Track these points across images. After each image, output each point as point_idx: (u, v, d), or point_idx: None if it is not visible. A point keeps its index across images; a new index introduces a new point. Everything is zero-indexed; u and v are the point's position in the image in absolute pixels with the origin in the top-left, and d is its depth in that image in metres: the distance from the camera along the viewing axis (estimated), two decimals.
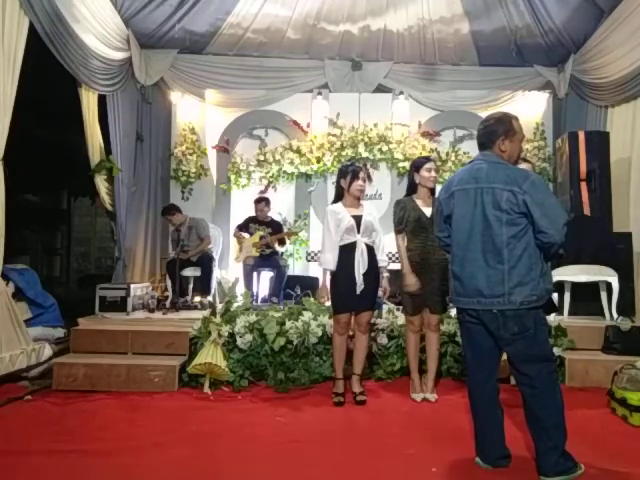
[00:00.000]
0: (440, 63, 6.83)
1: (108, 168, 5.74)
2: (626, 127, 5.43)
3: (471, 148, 6.45)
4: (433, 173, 3.75)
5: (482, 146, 2.60)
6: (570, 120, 6.45)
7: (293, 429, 3.20)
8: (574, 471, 2.40)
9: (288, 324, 4.17)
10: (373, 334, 4.23)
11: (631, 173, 5.28)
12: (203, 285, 5.68)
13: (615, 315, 4.51)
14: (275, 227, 6.06)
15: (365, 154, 6.64)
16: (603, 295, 4.68)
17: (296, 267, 6.61)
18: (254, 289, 5.75)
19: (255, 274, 5.89)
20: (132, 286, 5.03)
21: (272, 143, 6.81)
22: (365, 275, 3.66)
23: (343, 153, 6.64)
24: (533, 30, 6.10)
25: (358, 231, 3.70)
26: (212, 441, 2.99)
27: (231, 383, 4.05)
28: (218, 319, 4.24)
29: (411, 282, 3.65)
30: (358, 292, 3.65)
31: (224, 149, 6.81)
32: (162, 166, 6.84)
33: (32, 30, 4.19)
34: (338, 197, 3.83)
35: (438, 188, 3.22)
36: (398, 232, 3.76)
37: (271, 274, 5.89)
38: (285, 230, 6.26)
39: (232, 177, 6.75)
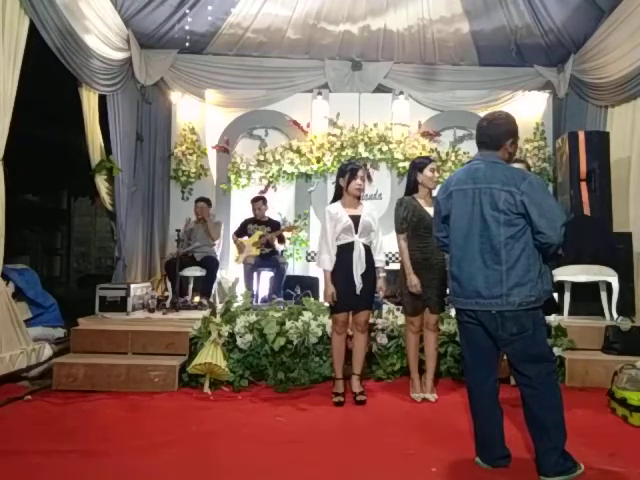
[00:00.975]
0: (440, 63, 6.83)
1: (108, 168, 5.74)
2: (626, 127, 5.43)
3: (471, 148, 6.42)
4: (436, 174, 3.77)
5: (484, 145, 2.55)
6: (570, 120, 6.45)
7: (293, 429, 3.20)
8: (574, 471, 2.40)
9: (288, 324, 4.18)
10: (373, 334, 4.23)
11: (631, 173, 5.27)
12: (205, 287, 5.69)
13: (615, 315, 4.51)
14: (273, 226, 6.08)
15: (365, 154, 6.64)
16: (603, 295, 4.68)
17: (296, 267, 6.61)
18: (254, 289, 5.75)
19: (255, 274, 5.90)
20: (132, 286, 5.03)
21: (272, 143, 6.81)
22: (363, 275, 3.66)
23: (343, 153, 6.63)
24: (533, 30, 6.10)
25: (356, 231, 3.68)
26: (212, 441, 2.99)
27: (231, 383, 4.05)
28: (218, 319, 4.25)
29: (414, 283, 3.62)
30: (358, 292, 3.65)
31: (224, 149, 6.81)
32: (162, 166, 6.84)
33: (32, 30, 4.19)
34: (337, 196, 3.81)
35: (437, 188, 3.22)
36: (400, 232, 3.71)
37: (271, 274, 5.90)
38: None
39: (232, 177, 6.75)
